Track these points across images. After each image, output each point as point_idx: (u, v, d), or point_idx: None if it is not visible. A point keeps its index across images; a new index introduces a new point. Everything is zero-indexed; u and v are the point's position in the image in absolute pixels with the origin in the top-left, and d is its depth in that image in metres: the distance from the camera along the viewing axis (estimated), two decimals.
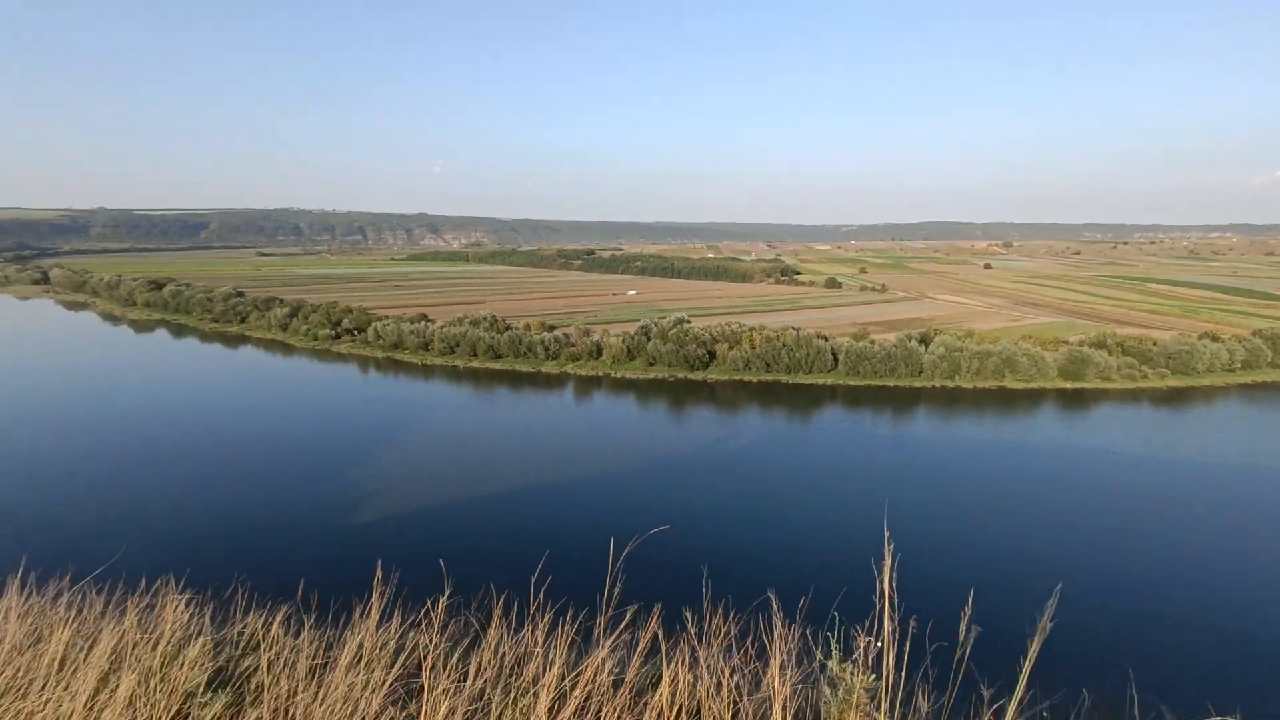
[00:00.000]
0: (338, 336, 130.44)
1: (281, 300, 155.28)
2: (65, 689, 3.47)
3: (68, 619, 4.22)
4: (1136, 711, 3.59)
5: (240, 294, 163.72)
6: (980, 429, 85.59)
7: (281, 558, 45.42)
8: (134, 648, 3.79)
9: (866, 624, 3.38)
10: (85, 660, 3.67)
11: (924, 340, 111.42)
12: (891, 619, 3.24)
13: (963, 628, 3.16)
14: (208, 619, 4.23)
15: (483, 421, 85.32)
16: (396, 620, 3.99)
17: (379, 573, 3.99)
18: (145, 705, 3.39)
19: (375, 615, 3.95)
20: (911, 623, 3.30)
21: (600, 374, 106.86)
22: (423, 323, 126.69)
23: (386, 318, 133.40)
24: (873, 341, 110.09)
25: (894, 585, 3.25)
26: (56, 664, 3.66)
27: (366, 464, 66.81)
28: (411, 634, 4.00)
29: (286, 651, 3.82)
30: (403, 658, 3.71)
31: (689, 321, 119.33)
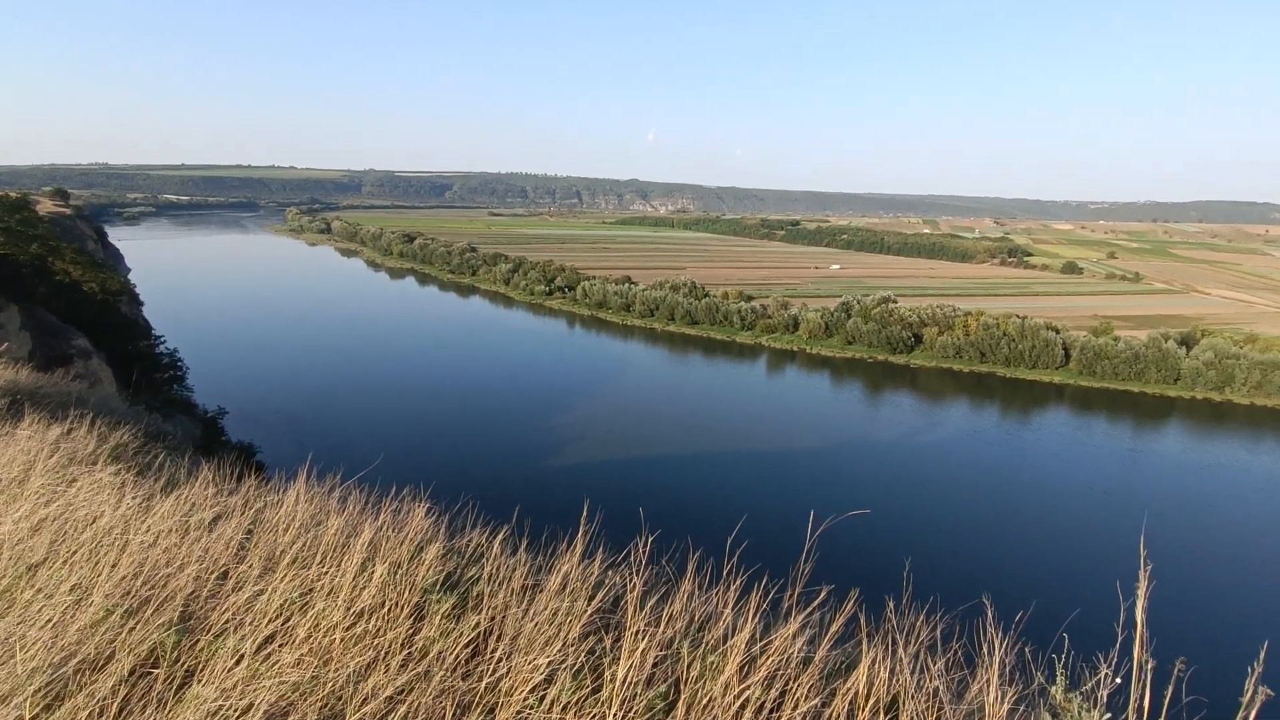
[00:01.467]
0: (550, 293, 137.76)
1: (506, 257, 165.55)
2: (337, 567, 4.10)
3: (339, 509, 4.89)
4: None
5: (473, 250, 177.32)
6: (1255, 457, 72.15)
7: (501, 485, 49.35)
8: (386, 542, 4.34)
9: (1107, 658, 3.03)
10: (352, 546, 4.28)
11: (1185, 342, 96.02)
12: (1143, 654, 2.87)
13: (1248, 687, 2.69)
14: (442, 528, 4.68)
15: (677, 384, 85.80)
16: (599, 557, 4.23)
17: (585, 511, 4.19)
18: (394, 591, 3.94)
19: (579, 550, 4.20)
20: (1177, 666, 2.86)
21: (795, 348, 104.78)
22: (626, 284, 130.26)
23: (594, 277, 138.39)
24: (1117, 338, 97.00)
25: (1145, 614, 2.91)
26: (330, 546, 4.31)
27: (571, 413, 71.00)
28: (610, 573, 4.25)
29: (504, 568, 4.22)
30: (601, 593, 3.95)
31: (895, 301, 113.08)
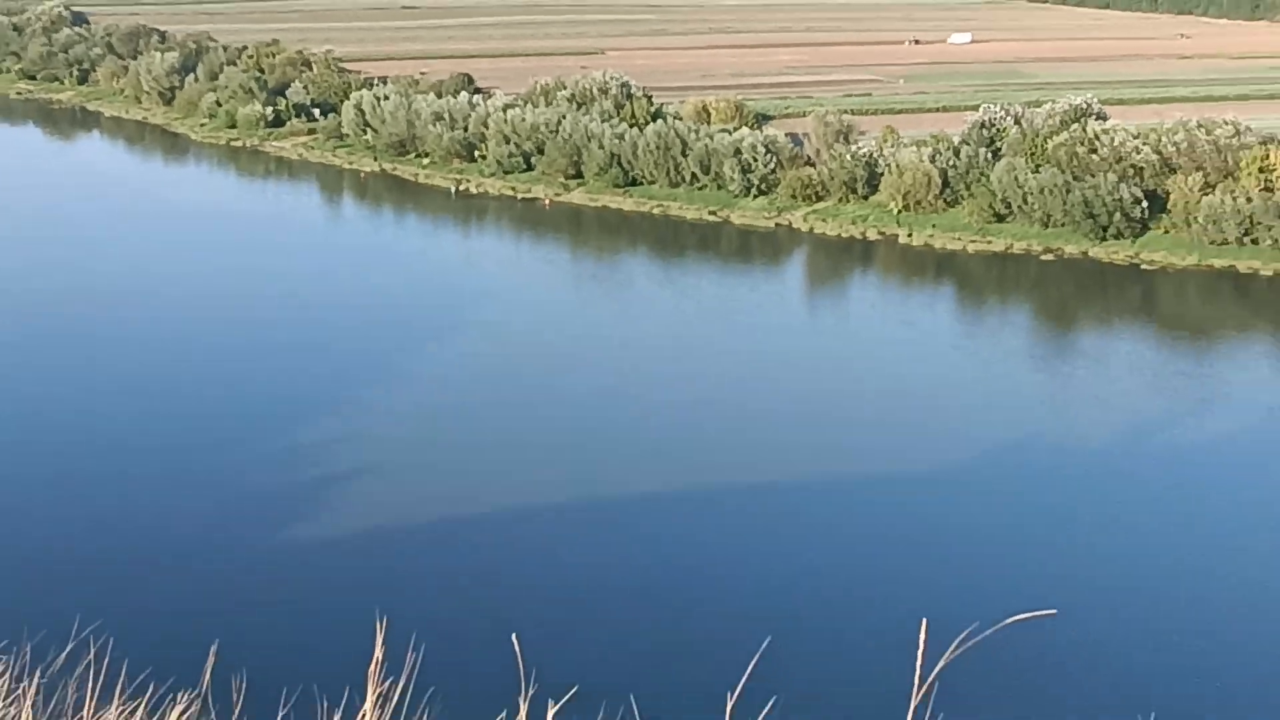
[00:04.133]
0: (278, 122, 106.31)
1: (162, 36, 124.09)
2: None
3: None
4: None
5: (81, 20, 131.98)
6: None
7: (172, 595, 39.82)
8: None
9: None
10: None
11: None
12: None
13: None
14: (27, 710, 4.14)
15: (591, 340, 69.60)
16: None
17: (379, 644, 3.56)
18: None
19: None
20: None
21: (871, 233, 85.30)
22: (463, 97, 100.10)
23: (383, 82, 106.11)
24: None
25: None
26: None
27: (341, 417, 56.68)
28: None
29: None
30: None
31: (1102, 116, 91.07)
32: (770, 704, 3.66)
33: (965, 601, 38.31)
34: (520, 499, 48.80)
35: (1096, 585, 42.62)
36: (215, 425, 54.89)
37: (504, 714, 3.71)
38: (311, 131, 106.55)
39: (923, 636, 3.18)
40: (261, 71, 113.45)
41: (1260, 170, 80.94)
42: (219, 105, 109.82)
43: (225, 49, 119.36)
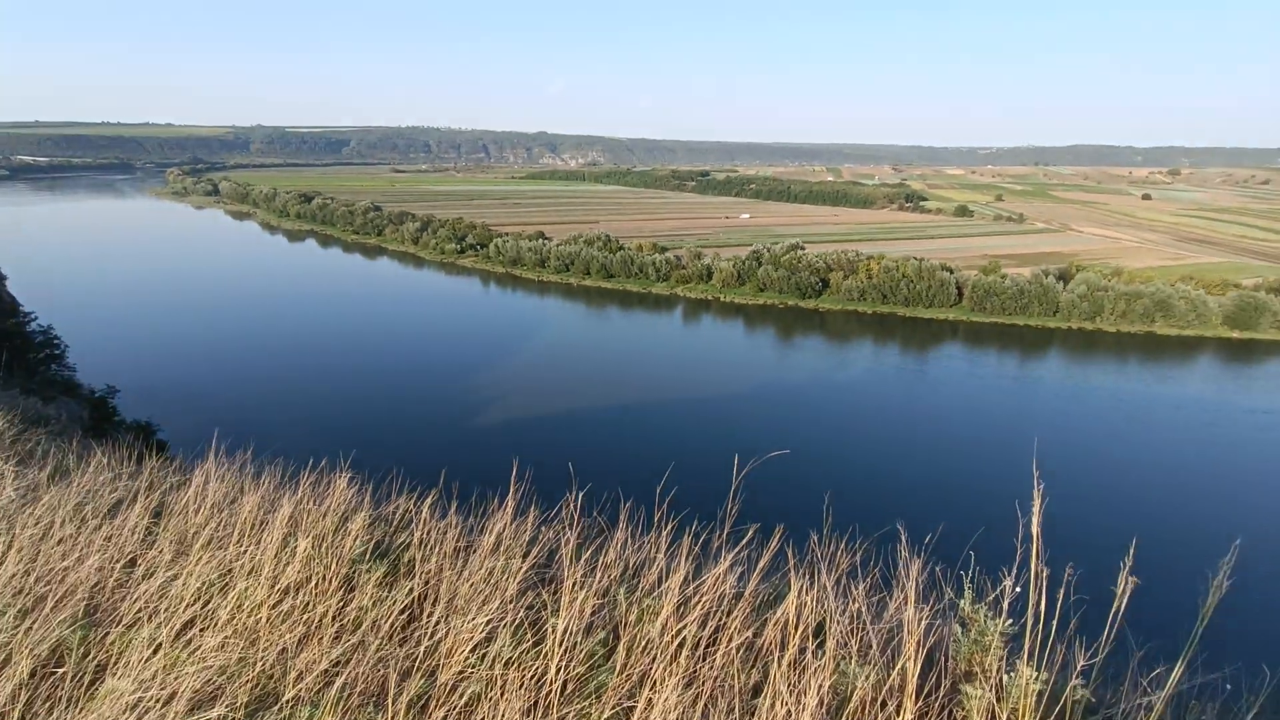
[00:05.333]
0: (462, 251, 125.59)
1: (413, 215, 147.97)
2: (257, 545, 3.99)
3: (253, 486, 4.94)
4: None
5: (377, 209, 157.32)
6: (1121, 379, 73.79)
7: (424, 450, 46.76)
8: (307, 516, 4.28)
9: (1009, 570, 3.26)
10: (271, 522, 4.19)
11: (1063, 277, 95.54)
12: (1038, 564, 3.09)
13: (1121, 579, 3.00)
14: (367, 497, 4.72)
15: (597, 337, 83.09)
16: (532, 515, 4.36)
17: (514, 470, 4.31)
18: (320, 565, 3.84)
19: (511, 508, 4.25)
20: (1067, 571, 3.19)
21: (709, 297, 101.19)
22: (540, 240, 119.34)
23: (506, 234, 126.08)
24: (1003, 276, 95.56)
25: (1040, 528, 3.07)
26: (248, 524, 4.24)
27: (493, 372, 67.34)
28: (544, 529, 4.37)
29: (435, 532, 4.26)
30: (536, 549, 4.03)
31: (803, 248, 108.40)
32: (673, 490, 4.07)
33: (752, 445, 45.78)
34: (572, 403, 59.02)
35: (810, 440, 52.26)
36: (439, 373, 66.11)
37: (565, 496, 4.15)
38: (475, 255, 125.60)
39: (736, 462, 3.99)
40: (455, 229, 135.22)
41: (866, 271, 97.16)
42: (437, 244, 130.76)
43: (442, 221, 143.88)
